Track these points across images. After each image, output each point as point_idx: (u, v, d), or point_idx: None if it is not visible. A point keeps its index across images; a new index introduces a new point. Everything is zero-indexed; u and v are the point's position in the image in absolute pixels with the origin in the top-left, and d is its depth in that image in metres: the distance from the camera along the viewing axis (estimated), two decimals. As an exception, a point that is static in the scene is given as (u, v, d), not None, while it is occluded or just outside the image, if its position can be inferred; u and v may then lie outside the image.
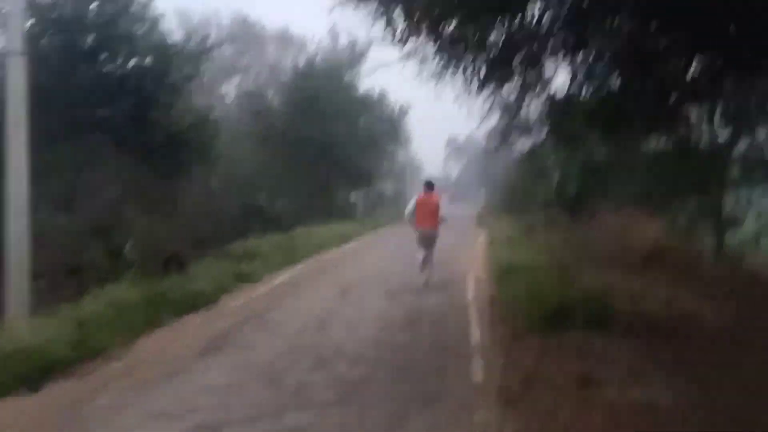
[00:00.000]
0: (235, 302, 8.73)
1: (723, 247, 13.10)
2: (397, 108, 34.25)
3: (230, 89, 36.28)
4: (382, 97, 33.20)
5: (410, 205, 11.25)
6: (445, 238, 13.36)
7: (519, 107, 14.34)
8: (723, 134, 13.78)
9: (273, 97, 27.05)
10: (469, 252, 15.08)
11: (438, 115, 70.74)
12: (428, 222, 10.87)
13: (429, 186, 11.50)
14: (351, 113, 26.43)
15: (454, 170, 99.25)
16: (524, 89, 11.42)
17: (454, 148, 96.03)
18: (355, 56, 28.08)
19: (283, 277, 11.20)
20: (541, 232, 15.98)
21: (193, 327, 7.36)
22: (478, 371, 5.53)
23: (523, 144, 31.86)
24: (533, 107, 15.47)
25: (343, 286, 9.94)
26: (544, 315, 6.68)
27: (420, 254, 10.78)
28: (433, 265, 10.75)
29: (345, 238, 18.15)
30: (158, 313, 7.42)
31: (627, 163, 18.78)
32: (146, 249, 10.32)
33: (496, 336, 6.66)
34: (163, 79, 12.57)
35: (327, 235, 17.69)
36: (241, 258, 12.36)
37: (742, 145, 15.38)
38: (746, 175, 15.56)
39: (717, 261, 12.36)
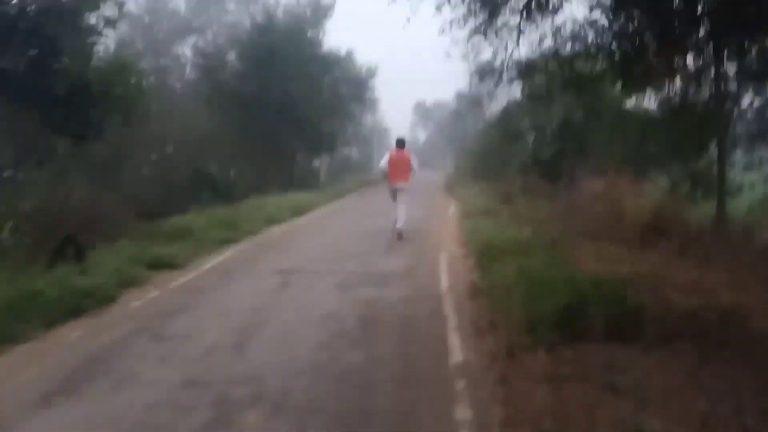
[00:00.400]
0: (139, 300, 6.69)
1: (725, 216, 11.53)
2: (364, 69, 32.05)
3: (186, 50, 33.69)
4: (349, 56, 31.00)
5: (383, 162, 11.98)
6: (412, 209, 12.63)
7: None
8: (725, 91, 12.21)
9: (228, 56, 24.61)
10: (440, 225, 13.15)
11: (406, 78, 68.39)
12: (401, 177, 11.61)
13: (400, 143, 12.24)
14: (313, 72, 24.18)
15: (422, 135, 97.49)
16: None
17: (422, 112, 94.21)
18: (320, 10, 25.68)
19: (213, 261, 9.14)
20: (520, 202, 14.20)
21: (61, 344, 5.22)
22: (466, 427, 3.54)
23: (495, 105, 30.50)
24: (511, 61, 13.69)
25: (286, 273, 7.95)
26: (549, 317, 4.83)
27: (395, 209, 11.51)
28: (406, 219, 11.34)
29: (300, 210, 16.07)
30: (19, 322, 5.40)
31: (610, 121, 17.18)
32: (38, 230, 8.23)
33: (485, 350, 4.78)
34: (73, 21, 10.34)
35: (280, 207, 15.65)
36: (170, 237, 10.36)
37: (746, 102, 13.80)
38: (753, 134, 14.02)
39: (720, 231, 10.79)
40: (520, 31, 10.42)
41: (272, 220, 13.71)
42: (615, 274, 6.32)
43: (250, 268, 8.60)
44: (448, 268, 8.18)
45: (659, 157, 16.10)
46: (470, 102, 34.67)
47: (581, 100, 18.28)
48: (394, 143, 12.66)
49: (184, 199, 19.48)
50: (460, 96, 38.37)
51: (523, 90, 23.56)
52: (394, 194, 11.73)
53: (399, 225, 11.20)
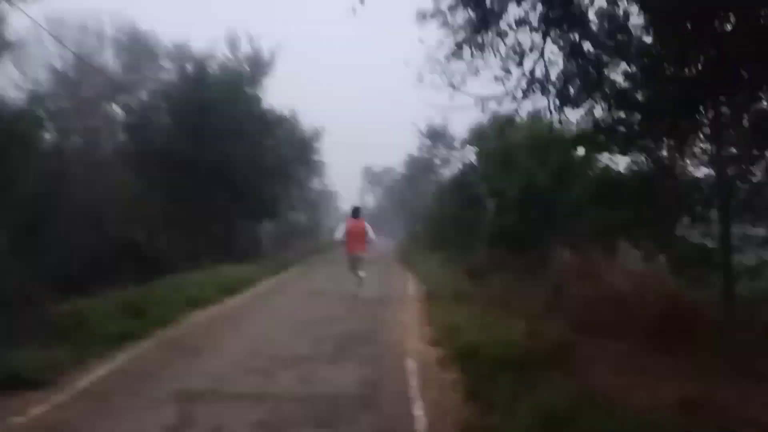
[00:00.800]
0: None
1: (734, 299, 9.68)
2: (309, 130, 30.21)
3: (118, 109, 31.04)
4: (293, 116, 29.15)
5: (339, 232, 12.36)
6: (366, 288, 12.05)
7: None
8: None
9: (157, 112, 22.24)
10: (401, 311, 10.79)
11: (354, 142, 68.07)
12: (357, 246, 12.02)
13: (356, 212, 12.74)
14: (252, 132, 22.04)
15: (371, 200, 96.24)
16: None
17: (371, 177, 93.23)
18: (260, 67, 23.69)
19: (97, 374, 6.63)
20: (493, 280, 12.11)
21: None
22: None
23: (450, 168, 29.04)
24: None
25: (189, 401, 5.49)
26: None
27: (352, 275, 12.03)
28: (363, 284, 11.88)
29: (233, 288, 13.54)
30: None
31: (584, 186, 15.45)
32: None
33: None
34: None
35: (209, 283, 13.19)
36: (57, 331, 7.87)
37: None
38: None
39: (729, 319, 8.92)
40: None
41: (195, 303, 11.21)
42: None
43: (141, 388, 6.07)
44: (422, 389, 5.86)
45: (639, 226, 14.34)
46: (422, 165, 33.29)
47: (546, 163, 16.71)
48: (350, 212, 13.06)
49: (107, 270, 17.24)
50: (412, 160, 36.99)
51: (479, 153, 22.06)
52: (352, 263, 12.13)
53: (357, 290, 11.73)
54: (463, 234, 19.99)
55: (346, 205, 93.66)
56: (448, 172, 31.84)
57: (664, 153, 11.19)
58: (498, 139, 18.46)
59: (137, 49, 30.26)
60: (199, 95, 20.18)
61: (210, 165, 19.74)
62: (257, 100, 23.20)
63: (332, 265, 20.83)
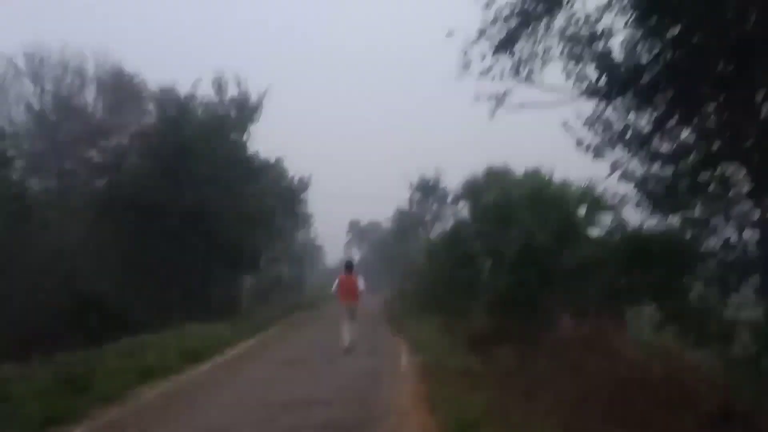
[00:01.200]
0: None
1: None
2: (296, 179, 28.96)
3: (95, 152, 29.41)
4: (279, 164, 27.91)
5: (334, 285, 13.73)
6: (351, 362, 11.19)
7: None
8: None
9: (134, 155, 20.81)
10: (395, 393, 8.74)
11: (340, 194, 66.71)
12: (350, 297, 13.27)
13: (348, 267, 14.22)
14: (235, 179, 20.61)
15: (357, 255, 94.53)
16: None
17: (357, 231, 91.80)
18: (246, 110, 22.40)
19: None
20: (499, 352, 10.52)
21: None
22: None
23: (441, 224, 27.65)
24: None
25: None
26: None
27: (344, 327, 12.96)
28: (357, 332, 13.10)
29: (201, 353, 11.77)
30: None
31: (588, 248, 14.14)
32: None
33: None
34: None
35: (174, 347, 11.49)
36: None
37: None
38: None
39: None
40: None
41: (150, 373, 9.48)
42: None
43: None
44: None
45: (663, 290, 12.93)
46: (412, 220, 31.89)
47: (547, 220, 15.39)
48: (344, 267, 14.47)
49: (68, 326, 15.71)
50: (400, 214, 35.59)
51: (473, 208, 20.73)
52: (345, 313, 13.19)
53: (348, 342, 12.61)
54: (458, 295, 18.46)
55: (331, 259, 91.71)
56: (439, 229, 30.47)
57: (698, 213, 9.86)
58: (495, 193, 17.19)
59: (120, 90, 28.96)
60: (178, 137, 18.79)
61: (186, 211, 18.24)
62: (242, 145, 21.91)
63: (316, 324, 19.10)
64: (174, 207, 18.00)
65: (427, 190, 30.10)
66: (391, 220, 54.31)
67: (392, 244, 58.61)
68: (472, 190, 19.63)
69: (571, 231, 14.87)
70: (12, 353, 9.81)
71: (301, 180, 28.84)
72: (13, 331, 15.27)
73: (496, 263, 16.84)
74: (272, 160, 25.81)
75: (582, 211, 15.67)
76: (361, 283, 13.35)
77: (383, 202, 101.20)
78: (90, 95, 29.90)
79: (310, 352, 13.02)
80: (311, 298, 38.79)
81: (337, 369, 10.63)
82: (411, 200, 32.71)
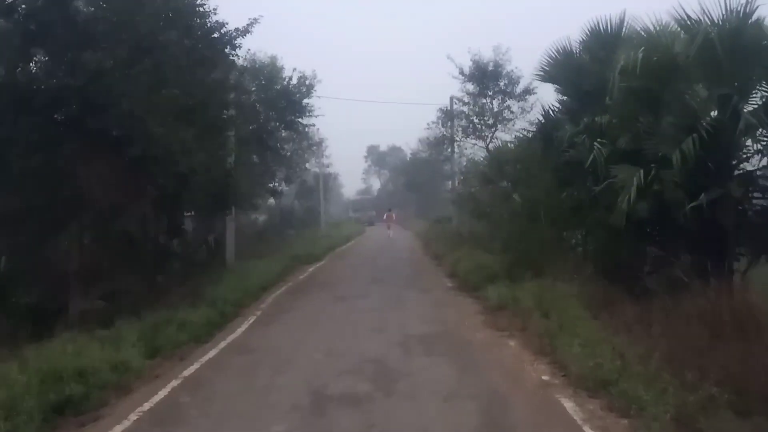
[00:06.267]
0: None
1: None
2: (295, 79, 20.75)
3: None
4: (273, 62, 20.17)
5: (384, 216, 42.46)
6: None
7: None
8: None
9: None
10: None
11: (355, 120, 58.75)
12: (389, 222, 39.95)
13: (389, 210, 42.68)
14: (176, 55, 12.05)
15: (376, 184, 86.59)
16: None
17: (376, 158, 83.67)
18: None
19: None
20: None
21: None
22: None
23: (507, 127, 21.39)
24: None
25: None
26: None
27: (388, 231, 37.96)
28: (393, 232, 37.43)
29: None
30: None
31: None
32: None
33: None
34: None
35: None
36: None
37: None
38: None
39: None
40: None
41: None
42: None
43: None
44: None
45: None
46: (466, 119, 23.35)
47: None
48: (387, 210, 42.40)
49: None
50: (443, 114, 26.53)
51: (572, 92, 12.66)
52: (386, 226, 39.30)
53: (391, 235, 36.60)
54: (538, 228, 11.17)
55: (348, 191, 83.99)
56: (504, 135, 21.88)
57: None
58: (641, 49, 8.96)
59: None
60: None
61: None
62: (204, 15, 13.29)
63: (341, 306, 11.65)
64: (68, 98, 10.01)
65: (486, 76, 21.09)
66: (418, 142, 46.14)
67: (420, 170, 50.60)
68: (570, 65, 11.65)
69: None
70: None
71: (301, 80, 20.61)
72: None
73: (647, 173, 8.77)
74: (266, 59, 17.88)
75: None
76: (394, 216, 41.13)
77: (406, 127, 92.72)
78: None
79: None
80: (335, 237, 32.79)
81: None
82: (461, 93, 22.86)
